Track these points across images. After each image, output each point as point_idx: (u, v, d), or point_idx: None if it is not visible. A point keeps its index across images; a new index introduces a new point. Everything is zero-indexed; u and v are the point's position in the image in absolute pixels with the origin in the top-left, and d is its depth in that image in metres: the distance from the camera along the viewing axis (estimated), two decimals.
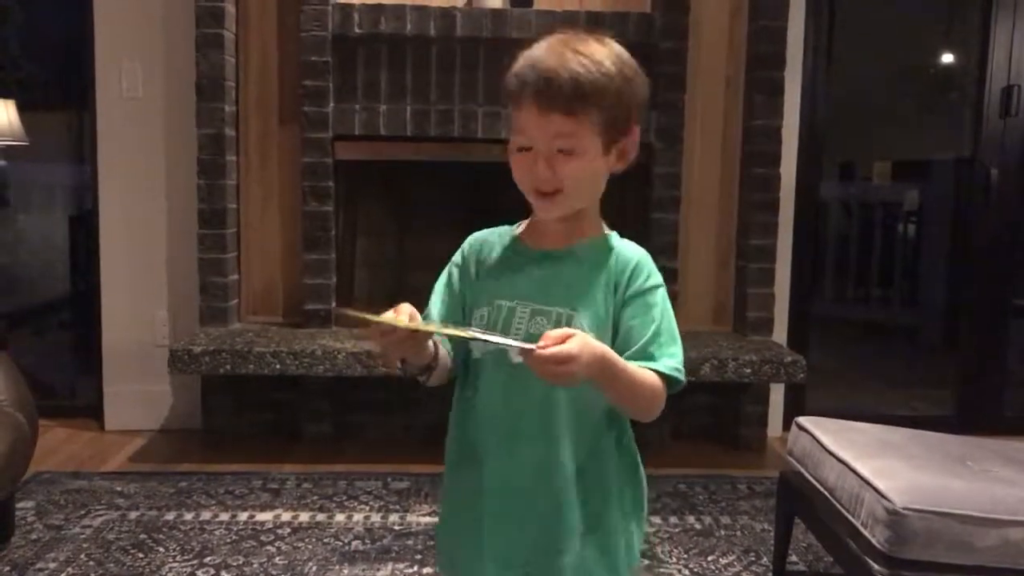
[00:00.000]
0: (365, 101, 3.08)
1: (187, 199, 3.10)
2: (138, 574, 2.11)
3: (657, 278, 1.11)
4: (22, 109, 4.06)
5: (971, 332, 3.54)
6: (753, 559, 2.26)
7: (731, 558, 2.27)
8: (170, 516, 2.44)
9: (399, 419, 3.17)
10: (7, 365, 2.26)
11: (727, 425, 3.22)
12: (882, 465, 1.76)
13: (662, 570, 2.19)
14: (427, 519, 2.44)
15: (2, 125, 3.99)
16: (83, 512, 2.46)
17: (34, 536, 2.30)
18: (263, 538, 2.31)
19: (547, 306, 1.09)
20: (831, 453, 1.88)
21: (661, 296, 1.10)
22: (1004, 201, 3.40)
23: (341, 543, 2.29)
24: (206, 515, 2.46)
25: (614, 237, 1.15)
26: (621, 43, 1.10)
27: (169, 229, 3.21)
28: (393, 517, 2.47)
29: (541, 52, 1.06)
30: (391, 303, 1.02)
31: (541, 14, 3.02)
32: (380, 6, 3.00)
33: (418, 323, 1.00)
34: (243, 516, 2.45)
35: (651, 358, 1.06)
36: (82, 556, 2.18)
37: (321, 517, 2.46)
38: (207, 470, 2.82)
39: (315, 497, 2.60)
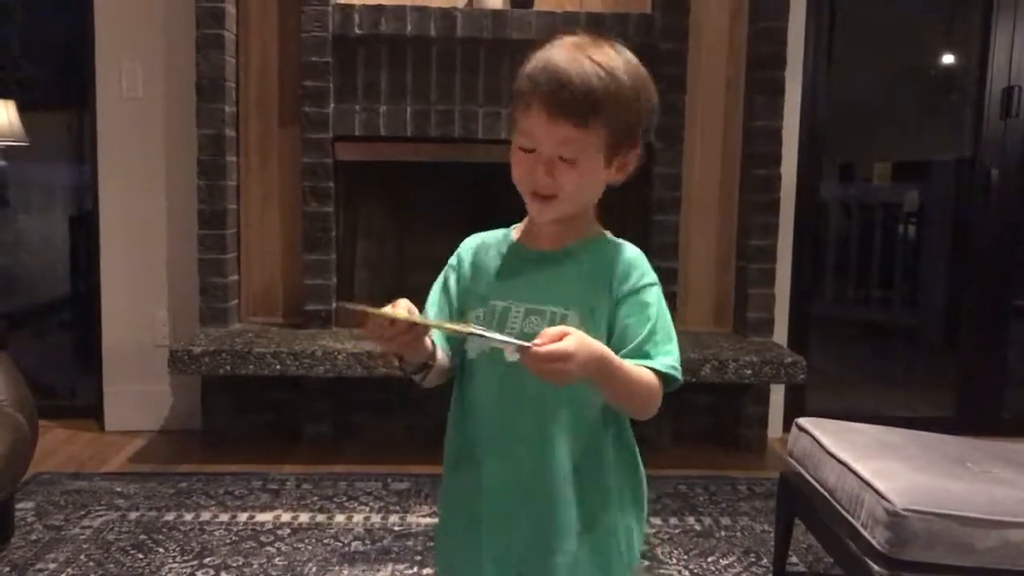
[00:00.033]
0: (365, 102, 3.08)
1: (187, 200, 3.10)
2: (138, 575, 2.10)
3: (652, 276, 1.11)
4: (22, 109, 4.06)
5: (971, 333, 3.54)
6: (753, 560, 2.26)
7: (731, 559, 2.27)
8: (170, 517, 2.44)
9: (399, 420, 3.17)
10: (7, 365, 2.26)
11: (727, 426, 3.22)
12: (882, 466, 1.76)
13: (662, 571, 2.18)
14: (427, 520, 2.44)
15: (2, 125, 3.99)
16: (83, 513, 2.46)
17: (34, 537, 2.30)
18: (263, 539, 2.31)
19: (541, 305, 1.09)
20: (831, 454, 1.88)
21: (656, 294, 1.10)
22: (1004, 202, 3.40)
23: (341, 544, 2.29)
24: (206, 516, 2.45)
25: (608, 237, 1.15)
26: (600, 37, 1.09)
27: (169, 230, 3.21)
28: (393, 518, 2.47)
29: (557, 56, 1.05)
30: (391, 303, 1.02)
31: (541, 15, 3.02)
32: (380, 7, 3.00)
33: (416, 316, 1.00)
34: (243, 517, 2.45)
35: (647, 356, 1.06)
36: (82, 557, 2.18)
37: (321, 518, 2.46)
38: (207, 471, 2.82)
39: (315, 498, 2.60)
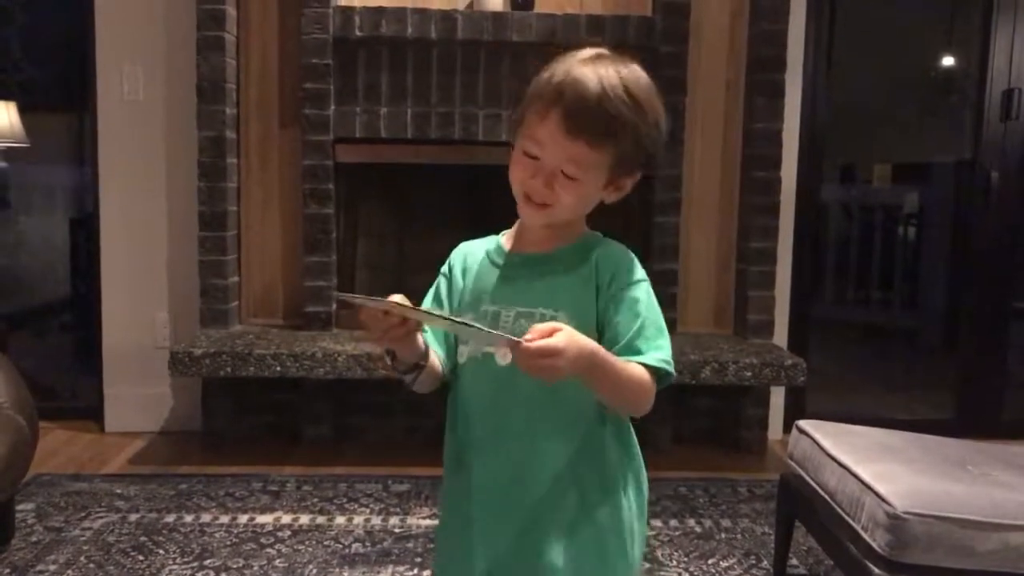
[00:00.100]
0: (366, 104, 3.08)
1: (188, 201, 3.10)
2: None
3: (640, 274, 1.11)
4: (23, 111, 4.06)
5: (971, 335, 3.54)
6: (753, 562, 2.26)
7: (731, 561, 2.27)
8: (170, 518, 2.44)
9: (399, 422, 3.17)
10: (7, 367, 2.26)
11: (727, 428, 3.22)
12: (882, 469, 1.76)
13: (662, 573, 2.18)
14: (427, 522, 2.44)
15: (3, 127, 3.99)
16: (83, 514, 2.46)
17: (34, 538, 2.29)
18: (263, 540, 2.31)
19: (532, 308, 1.09)
20: (831, 457, 1.88)
21: (645, 291, 1.10)
22: (1004, 204, 3.40)
23: (341, 546, 2.29)
24: (206, 517, 2.45)
25: (597, 238, 1.16)
26: (621, 47, 1.10)
27: (170, 231, 3.21)
28: (393, 520, 2.47)
29: (587, 73, 1.03)
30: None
31: (542, 17, 3.02)
32: (381, 9, 3.01)
33: (408, 308, 1.00)
34: (243, 518, 2.45)
35: (638, 352, 1.05)
36: (82, 558, 2.18)
37: (321, 520, 2.46)
38: (207, 472, 2.82)
39: (315, 500, 2.60)
